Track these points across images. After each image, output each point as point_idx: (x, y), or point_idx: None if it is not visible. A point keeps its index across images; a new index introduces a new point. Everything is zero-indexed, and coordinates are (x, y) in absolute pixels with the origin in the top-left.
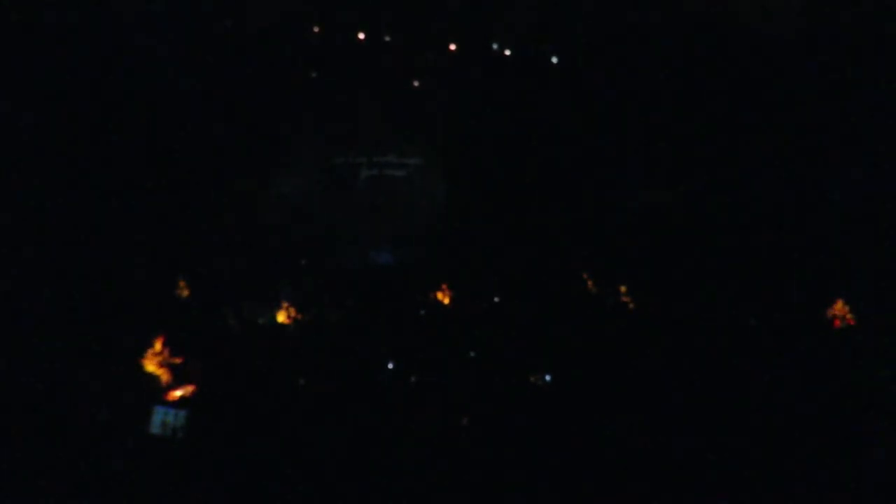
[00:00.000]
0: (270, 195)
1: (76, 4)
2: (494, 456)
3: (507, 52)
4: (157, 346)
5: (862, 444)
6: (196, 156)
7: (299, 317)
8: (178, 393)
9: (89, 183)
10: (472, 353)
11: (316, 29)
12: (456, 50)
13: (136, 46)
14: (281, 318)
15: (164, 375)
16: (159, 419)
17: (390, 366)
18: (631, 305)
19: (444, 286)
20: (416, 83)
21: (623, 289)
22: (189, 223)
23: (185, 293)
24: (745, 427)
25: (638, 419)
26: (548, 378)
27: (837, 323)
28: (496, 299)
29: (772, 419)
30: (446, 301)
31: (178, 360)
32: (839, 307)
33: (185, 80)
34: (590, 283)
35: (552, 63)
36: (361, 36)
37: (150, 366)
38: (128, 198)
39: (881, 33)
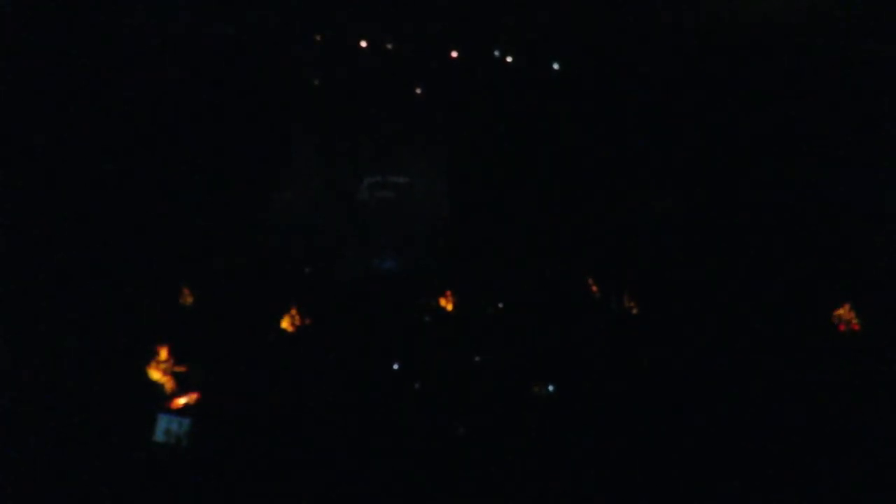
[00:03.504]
0: (274, 201)
1: (73, 10)
2: (497, 465)
3: (510, 59)
4: (163, 354)
5: (866, 449)
6: (200, 162)
7: (304, 323)
8: (182, 400)
9: (91, 188)
10: (476, 359)
11: (318, 37)
12: (458, 57)
13: (138, 52)
14: (285, 324)
15: (167, 383)
16: (163, 427)
17: (395, 366)
18: (635, 311)
19: (447, 292)
20: (418, 90)
21: (628, 295)
22: (193, 229)
23: (189, 300)
24: (750, 433)
25: (642, 426)
26: (551, 388)
27: (842, 328)
28: (500, 305)
29: (777, 425)
30: (450, 308)
31: (182, 368)
32: (845, 311)
33: (188, 86)
34: (594, 288)
35: (555, 69)
36: (363, 43)
37: (155, 373)
38: (130, 203)
39: (883, 35)
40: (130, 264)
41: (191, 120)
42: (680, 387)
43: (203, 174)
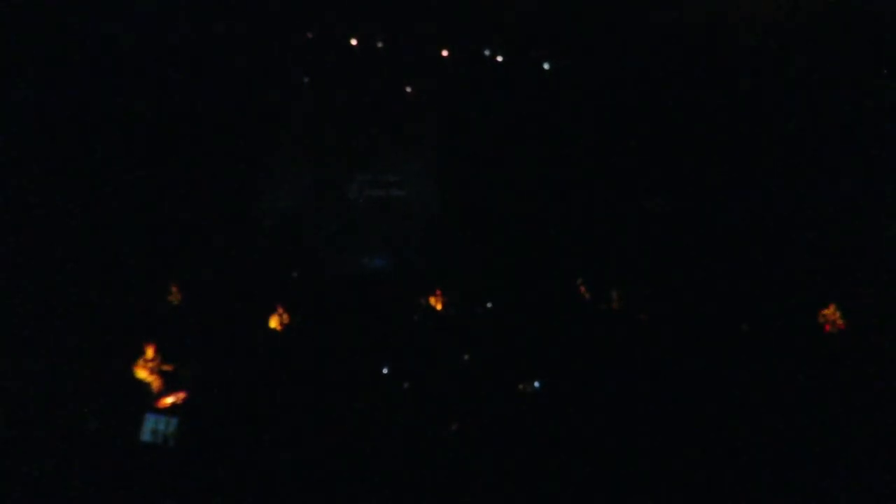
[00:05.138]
0: (263, 200)
1: (65, 13)
2: (487, 462)
3: (500, 58)
4: (149, 352)
5: (854, 444)
6: (188, 160)
7: (292, 321)
8: (169, 400)
9: (79, 187)
10: (466, 357)
11: (309, 35)
12: (449, 55)
13: (126, 54)
14: (273, 323)
15: (155, 382)
16: (150, 427)
17: (385, 371)
18: (624, 311)
19: (437, 291)
20: (408, 88)
21: (616, 295)
22: (181, 227)
23: (177, 298)
24: (737, 429)
25: (631, 426)
26: (537, 385)
27: (828, 327)
28: (489, 305)
29: (764, 422)
30: (439, 307)
31: (169, 367)
32: (831, 311)
33: (178, 87)
34: (583, 288)
35: (545, 69)
36: (354, 42)
37: (142, 372)
38: (119, 201)
39: (877, 38)
40: (118, 261)
41: (180, 121)
42: (667, 385)
43: (191, 173)
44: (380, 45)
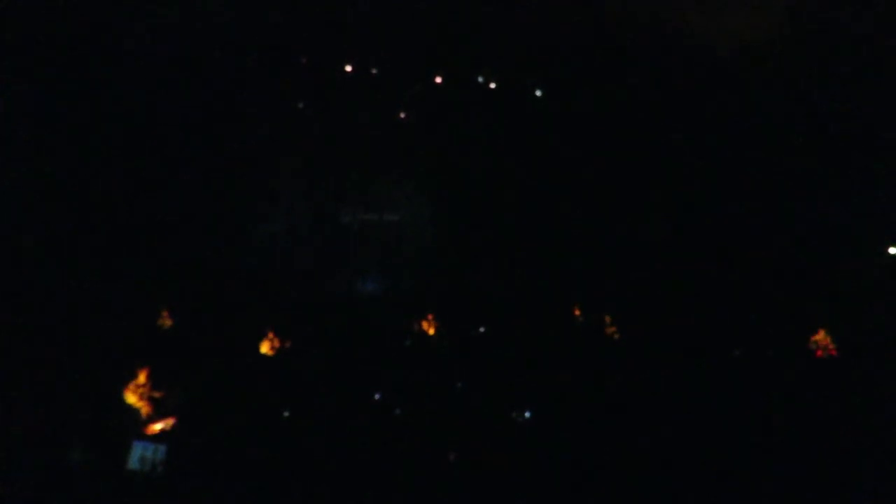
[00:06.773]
0: (256, 225)
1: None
2: (481, 491)
3: (493, 85)
4: (141, 377)
5: (849, 471)
6: (180, 186)
7: (283, 346)
8: (157, 426)
9: (72, 212)
10: (458, 384)
11: (304, 59)
12: (442, 82)
13: (125, 75)
14: (264, 348)
15: (144, 408)
16: (138, 454)
17: (377, 397)
18: (617, 336)
19: (429, 316)
20: (402, 114)
21: (609, 319)
22: (173, 251)
23: (168, 323)
24: (730, 456)
25: (624, 452)
26: (527, 415)
27: (820, 353)
28: (482, 329)
29: (756, 451)
30: (431, 332)
31: (158, 394)
32: (821, 337)
33: (173, 109)
34: (577, 311)
35: (537, 95)
36: (348, 68)
37: (131, 398)
38: (110, 226)
39: (870, 70)
40: (110, 285)
41: (173, 146)
42: (659, 411)
43: (183, 200)
44: (374, 71)
